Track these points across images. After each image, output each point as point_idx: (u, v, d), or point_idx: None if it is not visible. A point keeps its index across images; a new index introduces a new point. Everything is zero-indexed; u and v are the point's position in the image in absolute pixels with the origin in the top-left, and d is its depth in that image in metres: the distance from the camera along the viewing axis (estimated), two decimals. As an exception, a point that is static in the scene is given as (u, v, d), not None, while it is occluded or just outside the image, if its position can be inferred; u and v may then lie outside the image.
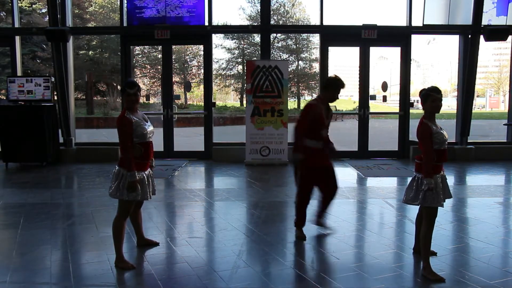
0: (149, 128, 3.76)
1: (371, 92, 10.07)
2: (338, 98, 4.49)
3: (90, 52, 27.48)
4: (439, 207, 3.49)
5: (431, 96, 3.44)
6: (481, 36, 9.13)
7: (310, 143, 4.36)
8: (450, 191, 3.65)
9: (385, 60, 38.88)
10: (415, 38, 10.24)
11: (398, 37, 9.53)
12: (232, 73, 32.36)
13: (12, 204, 5.75)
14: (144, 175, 3.74)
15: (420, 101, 3.53)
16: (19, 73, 9.50)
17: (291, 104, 30.34)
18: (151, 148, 3.82)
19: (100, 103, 26.75)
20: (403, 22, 9.50)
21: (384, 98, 10.57)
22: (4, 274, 3.52)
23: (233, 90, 37.45)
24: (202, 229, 4.81)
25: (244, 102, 13.02)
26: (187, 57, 31.38)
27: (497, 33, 9.01)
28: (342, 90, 4.51)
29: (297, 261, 3.90)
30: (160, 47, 10.54)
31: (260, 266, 3.75)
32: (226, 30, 21.22)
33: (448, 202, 5.19)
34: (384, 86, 10.16)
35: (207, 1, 9.18)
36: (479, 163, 8.92)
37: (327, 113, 4.45)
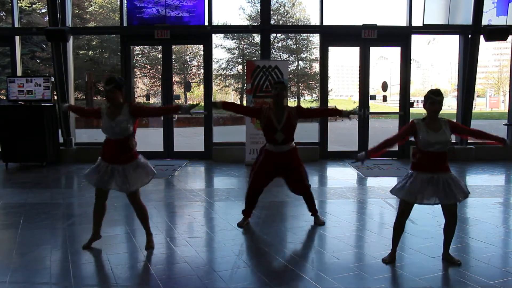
0: (110, 126, 3.80)
1: (371, 92, 10.07)
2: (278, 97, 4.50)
3: (90, 52, 27.46)
4: (415, 205, 3.63)
5: (430, 98, 3.53)
6: (481, 36, 9.13)
7: (268, 147, 4.61)
8: (454, 195, 3.54)
9: (385, 60, 38.83)
10: (415, 38, 10.24)
11: (398, 37, 9.52)
12: (232, 73, 32.32)
13: (12, 204, 5.75)
14: (109, 166, 3.86)
15: (423, 103, 3.65)
16: (19, 73, 9.50)
17: (291, 104, 30.25)
18: (111, 146, 3.87)
19: (100, 103, 26.71)
20: (403, 22, 9.50)
21: (384, 98, 10.57)
22: (4, 274, 3.52)
23: (233, 90, 37.43)
24: (202, 229, 4.81)
25: (244, 102, 13.01)
26: (187, 57, 31.36)
27: (497, 33, 9.01)
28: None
29: (297, 261, 3.89)
30: (160, 47, 10.54)
31: (260, 266, 3.75)
32: (226, 30, 21.19)
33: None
34: (384, 86, 10.15)
35: (207, 1, 9.18)
36: (479, 163, 8.92)
37: (280, 116, 4.49)
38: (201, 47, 11.67)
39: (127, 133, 3.84)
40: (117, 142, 3.83)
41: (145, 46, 27.62)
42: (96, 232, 4.16)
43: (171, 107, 5.57)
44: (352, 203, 5.91)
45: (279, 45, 30.39)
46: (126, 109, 3.83)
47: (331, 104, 20.06)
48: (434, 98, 3.51)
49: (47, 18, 10.35)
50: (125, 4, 9.27)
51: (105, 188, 3.95)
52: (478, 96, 45.15)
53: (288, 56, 30.60)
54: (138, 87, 29.03)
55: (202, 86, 11.94)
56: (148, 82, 30.12)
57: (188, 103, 32.54)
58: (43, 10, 25.60)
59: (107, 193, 4.05)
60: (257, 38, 23.97)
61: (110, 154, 3.87)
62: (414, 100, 11.72)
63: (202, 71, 12.42)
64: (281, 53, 30.42)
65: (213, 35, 9.75)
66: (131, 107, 3.86)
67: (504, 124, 10.16)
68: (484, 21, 9.13)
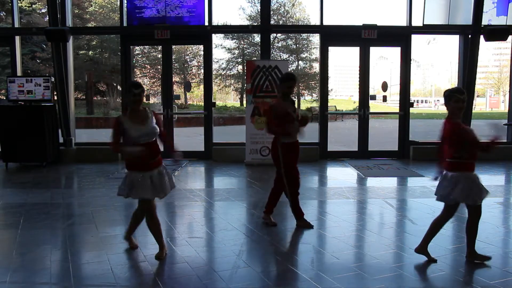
0: (141, 131, 3.71)
1: (371, 92, 10.06)
2: (291, 91, 4.88)
3: (90, 52, 27.50)
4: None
5: (454, 97, 3.53)
6: (481, 36, 9.13)
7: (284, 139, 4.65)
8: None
9: (385, 60, 38.82)
10: (415, 38, 10.23)
11: (398, 37, 9.52)
12: (232, 73, 32.38)
13: (12, 204, 5.74)
14: (144, 175, 3.75)
15: (444, 102, 3.65)
16: (19, 73, 9.50)
17: (291, 104, 30.26)
18: (148, 149, 3.73)
19: (100, 103, 26.76)
20: (403, 22, 9.49)
21: (384, 98, 10.57)
22: (4, 274, 3.52)
23: (233, 90, 37.49)
24: (202, 229, 4.81)
25: (244, 102, 13.02)
26: (187, 57, 31.41)
27: (497, 33, 9.00)
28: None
29: (297, 261, 3.89)
30: (160, 47, 10.54)
31: (260, 266, 3.75)
32: (226, 30, 21.22)
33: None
34: (384, 86, 10.15)
35: (207, 1, 9.17)
36: (479, 163, 8.84)
37: (292, 107, 4.77)
38: (201, 47, 11.68)
39: (156, 136, 3.86)
40: (148, 145, 3.75)
41: (145, 46, 27.66)
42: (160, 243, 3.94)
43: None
44: (352, 203, 5.90)
45: (279, 45, 30.43)
46: (151, 115, 3.85)
47: (331, 104, 20.12)
48: (458, 96, 3.52)
49: (47, 18, 10.35)
50: (125, 4, 9.27)
51: (136, 198, 3.86)
52: (478, 96, 45.18)
53: (288, 56, 30.63)
54: (138, 87, 29.02)
55: (202, 86, 11.94)
56: (148, 82, 30.15)
57: (188, 103, 32.61)
58: (43, 10, 25.65)
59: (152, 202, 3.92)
60: (257, 38, 23.97)
61: (145, 159, 3.72)
62: (414, 100, 11.72)
63: (202, 71, 12.41)
64: (281, 53, 30.46)
65: (213, 35, 9.75)
66: (156, 117, 3.88)
67: (504, 124, 10.15)
68: (484, 21, 9.13)
